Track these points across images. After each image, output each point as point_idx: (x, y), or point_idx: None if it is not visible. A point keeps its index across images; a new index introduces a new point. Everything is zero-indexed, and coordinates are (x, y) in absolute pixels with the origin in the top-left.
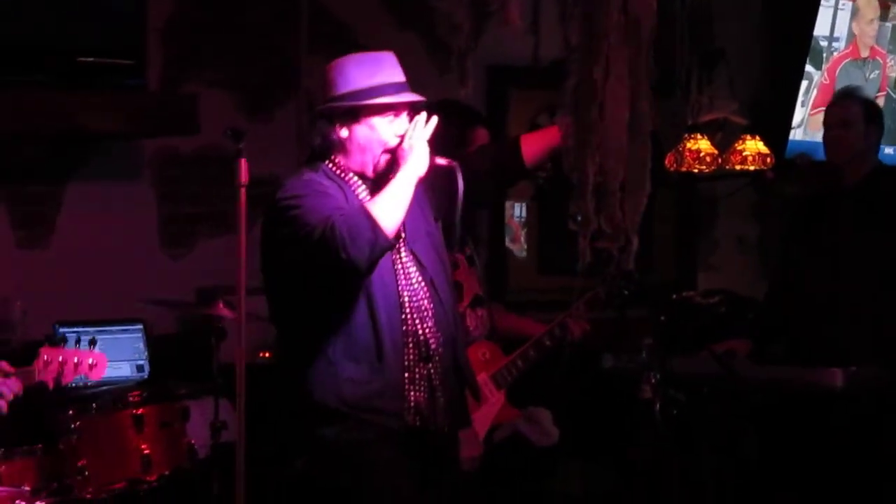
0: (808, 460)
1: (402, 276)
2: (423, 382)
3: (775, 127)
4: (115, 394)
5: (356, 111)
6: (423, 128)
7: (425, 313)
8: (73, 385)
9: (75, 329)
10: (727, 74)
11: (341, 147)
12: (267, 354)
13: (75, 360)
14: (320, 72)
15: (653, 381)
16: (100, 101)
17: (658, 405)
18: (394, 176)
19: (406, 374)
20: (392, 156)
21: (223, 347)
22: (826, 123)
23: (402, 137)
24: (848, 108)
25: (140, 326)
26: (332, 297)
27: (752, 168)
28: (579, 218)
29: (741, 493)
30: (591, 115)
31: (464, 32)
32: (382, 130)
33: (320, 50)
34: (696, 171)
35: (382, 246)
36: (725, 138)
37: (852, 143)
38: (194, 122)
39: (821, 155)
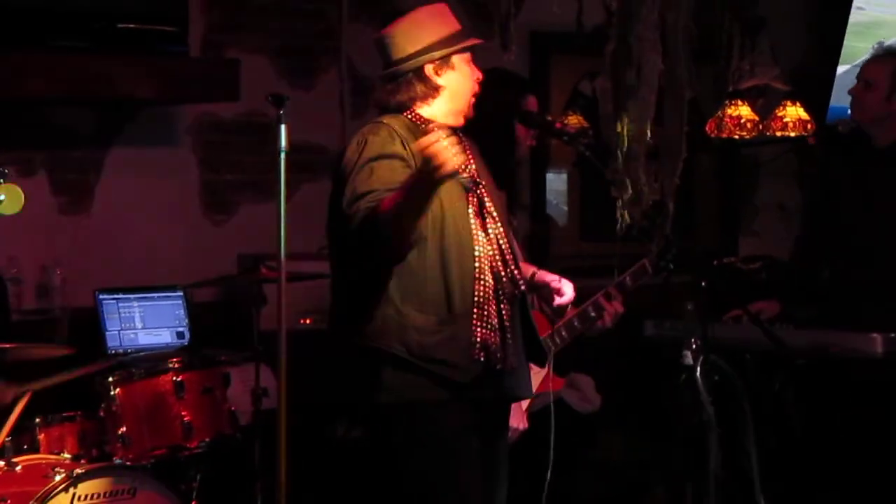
0: (849, 426)
1: (478, 227)
2: (492, 320)
3: (816, 93)
4: (155, 360)
5: (449, 57)
6: (450, 144)
7: (496, 261)
8: (113, 352)
9: (115, 296)
10: (769, 40)
11: (430, 98)
12: (308, 321)
13: None
14: (383, 36)
15: (694, 347)
16: (141, 67)
17: (699, 371)
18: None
19: (475, 310)
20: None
21: (264, 314)
22: (856, 77)
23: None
24: (876, 69)
25: (180, 293)
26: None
27: (793, 134)
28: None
29: (784, 460)
30: (627, 79)
31: None
32: (471, 74)
33: (361, 16)
34: (737, 137)
35: (396, 256)
36: (766, 104)
37: (870, 105)
38: (236, 88)
39: None
